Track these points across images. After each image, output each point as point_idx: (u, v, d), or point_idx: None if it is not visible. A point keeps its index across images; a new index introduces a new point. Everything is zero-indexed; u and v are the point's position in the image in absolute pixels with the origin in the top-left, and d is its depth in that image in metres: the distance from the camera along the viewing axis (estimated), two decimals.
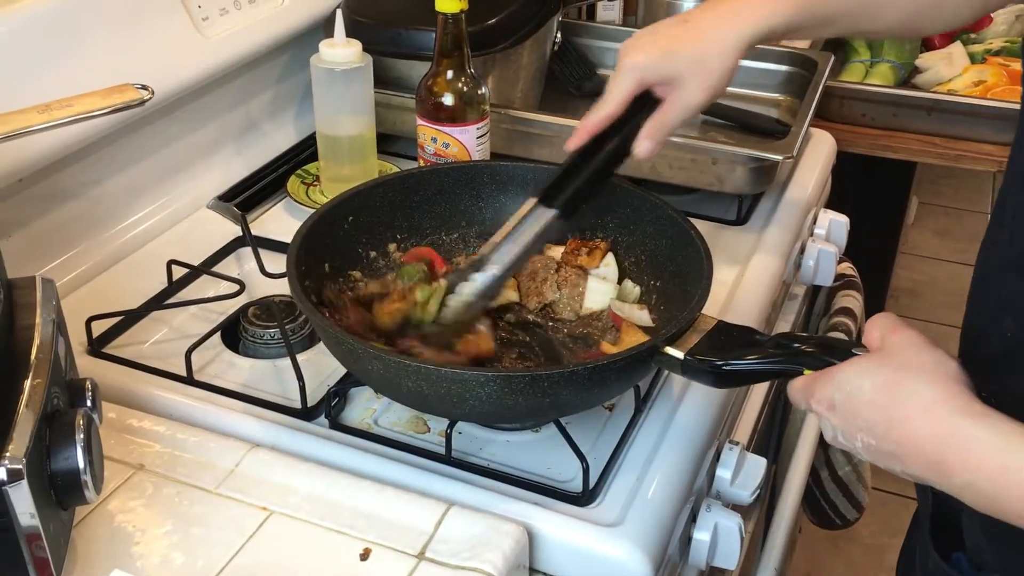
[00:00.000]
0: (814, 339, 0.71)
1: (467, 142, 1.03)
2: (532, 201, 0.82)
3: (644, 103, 0.84)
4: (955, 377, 0.60)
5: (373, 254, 0.91)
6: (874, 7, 0.86)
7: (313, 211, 0.86)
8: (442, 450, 0.77)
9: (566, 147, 0.84)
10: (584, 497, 0.74)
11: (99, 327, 0.89)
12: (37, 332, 0.64)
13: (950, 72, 1.61)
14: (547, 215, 0.82)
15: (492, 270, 0.81)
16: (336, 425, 0.81)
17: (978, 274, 0.74)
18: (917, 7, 0.87)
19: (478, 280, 0.81)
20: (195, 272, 0.98)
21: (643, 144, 0.83)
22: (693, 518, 0.80)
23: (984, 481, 0.56)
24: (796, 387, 0.68)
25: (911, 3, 0.87)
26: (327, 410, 0.81)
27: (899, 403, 0.60)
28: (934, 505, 0.77)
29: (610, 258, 0.91)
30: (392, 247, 0.92)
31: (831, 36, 1.44)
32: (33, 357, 0.62)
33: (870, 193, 1.69)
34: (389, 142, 1.20)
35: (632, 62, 0.82)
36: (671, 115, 0.83)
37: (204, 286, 0.97)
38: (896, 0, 0.86)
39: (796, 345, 0.71)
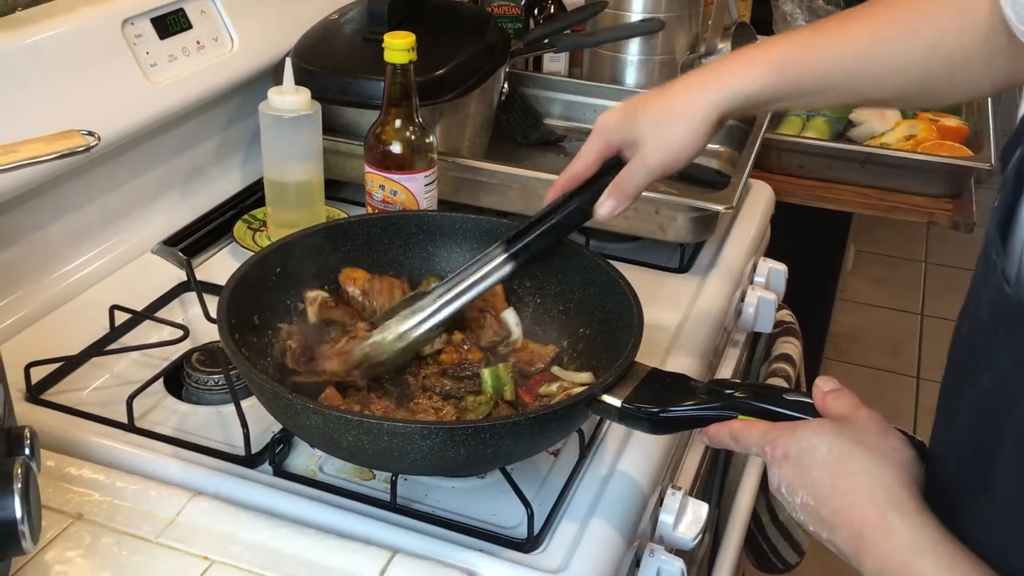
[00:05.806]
0: (746, 385, 0.73)
1: (415, 190, 1.04)
2: (495, 245, 0.87)
3: (613, 166, 0.87)
4: (907, 467, 0.62)
5: (301, 306, 0.90)
6: (871, 76, 0.79)
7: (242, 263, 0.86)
8: (387, 497, 0.77)
9: (545, 203, 0.89)
10: (529, 543, 0.74)
11: (38, 373, 0.87)
12: None
13: (883, 126, 1.67)
14: (498, 257, 0.86)
15: (440, 301, 0.85)
16: (280, 472, 0.80)
17: None
18: (925, 75, 0.78)
19: (426, 310, 0.85)
20: (138, 317, 0.97)
21: (604, 204, 0.86)
22: (636, 563, 0.81)
23: (890, 572, 0.59)
24: (755, 432, 0.69)
25: (917, 72, 0.78)
26: (271, 457, 0.81)
27: (847, 475, 0.62)
28: None
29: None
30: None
31: (824, 107, 1.41)
32: None
33: (809, 242, 1.73)
34: (337, 188, 1.21)
35: (600, 125, 0.87)
36: (630, 176, 0.85)
37: (147, 332, 0.96)
38: (901, 68, 0.78)
39: (728, 391, 0.73)
